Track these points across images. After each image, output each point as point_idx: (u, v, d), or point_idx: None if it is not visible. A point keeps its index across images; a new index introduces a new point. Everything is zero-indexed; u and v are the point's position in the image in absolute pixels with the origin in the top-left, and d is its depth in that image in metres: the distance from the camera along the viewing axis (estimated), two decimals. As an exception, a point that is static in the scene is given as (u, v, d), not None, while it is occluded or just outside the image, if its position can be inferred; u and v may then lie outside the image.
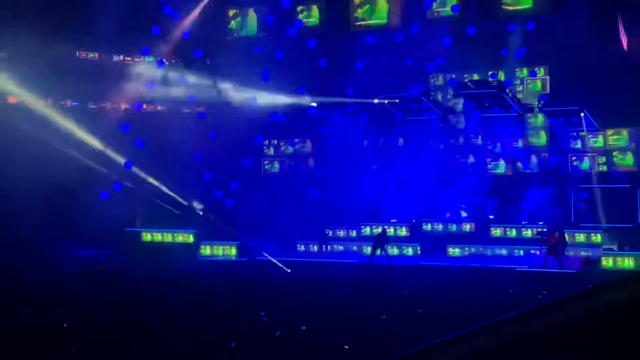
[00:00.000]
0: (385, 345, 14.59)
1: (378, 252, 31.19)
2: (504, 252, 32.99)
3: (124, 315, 18.49)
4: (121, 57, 40.08)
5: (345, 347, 14.32)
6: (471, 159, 36.53)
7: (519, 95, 35.88)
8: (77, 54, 38.92)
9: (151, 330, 16.44)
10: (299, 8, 36.99)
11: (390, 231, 34.61)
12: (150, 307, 19.81)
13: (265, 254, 31.64)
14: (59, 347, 14.75)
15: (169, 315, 18.43)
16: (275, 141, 40.39)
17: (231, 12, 38.88)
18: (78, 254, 34.06)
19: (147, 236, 36.85)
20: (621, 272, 27.26)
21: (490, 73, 34.62)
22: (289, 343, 14.99)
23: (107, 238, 34.93)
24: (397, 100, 35.80)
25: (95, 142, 35.21)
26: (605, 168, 34.84)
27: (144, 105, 36.70)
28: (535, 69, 35.61)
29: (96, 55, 39.51)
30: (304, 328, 16.41)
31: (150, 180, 34.99)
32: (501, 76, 34.84)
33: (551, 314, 2.10)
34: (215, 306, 20.23)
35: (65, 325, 17.09)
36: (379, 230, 33.18)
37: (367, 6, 36.52)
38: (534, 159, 36.20)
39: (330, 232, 36.90)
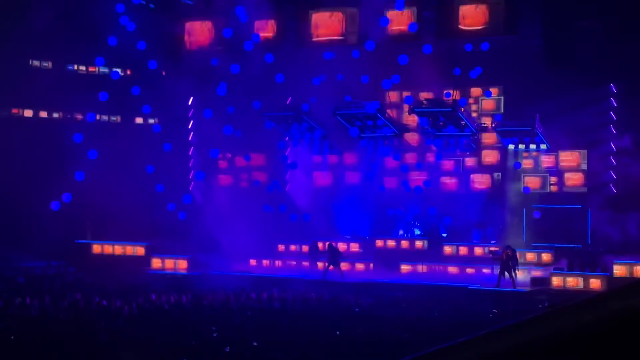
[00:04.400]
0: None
1: (331, 267, 31.17)
2: (455, 270, 33.12)
3: (71, 329, 18.17)
4: (75, 67, 39.69)
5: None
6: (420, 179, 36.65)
7: (473, 115, 36.17)
8: (30, 62, 38.47)
9: (99, 345, 16.16)
10: (257, 22, 36.95)
11: (342, 247, 34.65)
12: (98, 321, 19.51)
13: None
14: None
15: (117, 330, 18.15)
16: (230, 155, 40.16)
17: (188, 24, 38.71)
18: (27, 265, 33.50)
19: (97, 248, 36.42)
20: (570, 292, 27.55)
21: (445, 92, 34.85)
22: (240, 359, 14.84)
23: (57, 249, 34.43)
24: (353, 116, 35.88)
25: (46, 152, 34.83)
26: (556, 188, 35.24)
27: (97, 116, 36.34)
28: (490, 89, 35.94)
29: (50, 64, 39.07)
30: (255, 344, 16.26)
31: None
32: (457, 95, 35.09)
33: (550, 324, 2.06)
34: (165, 320, 19.98)
35: (12, 337, 16.76)
36: (332, 244, 33.13)
37: (325, 22, 36.62)
38: (487, 178, 36.51)
39: (283, 247, 36.79)
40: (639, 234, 31.39)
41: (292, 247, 36.69)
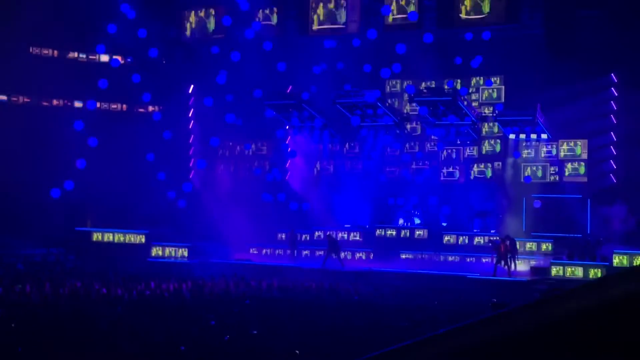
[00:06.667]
0: (335, 351, 14.53)
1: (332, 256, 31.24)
2: (455, 259, 33.12)
3: (71, 317, 18.20)
4: (76, 54, 39.64)
5: (296, 352, 14.24)
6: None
7: (474, 104, 36.12)
8: (30, 50, 38.42)
9: (98, 332, 16.19)
10: (259, 10, 36.89)
11: (342, 236, 34.75)
12: (98, 309, 19.54)
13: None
14: (4, 346, 14.46)
15: (116, 317, 18.17)
16: (231, 143, 40.16)
17: (189, 13, 38.63)
18: (27, 252, 33.53)
19: (97, 236, 36.43)
20: (571, 281, 27.57)
21: (446, 81, 34.81)
22: (239, 347, 14.86)
23: (57, 237, 34.47)
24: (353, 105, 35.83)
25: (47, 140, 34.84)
26: (557, 178, 35.24)
27: (98, 104, 36.28)
28: (491, 78, 35.88)
29: (50, 51, 39.03)
30: (254, 332, 16.29)
31: None
32: (457, 84, 35.03)
33: (544, 310, 2.06)
34: (165, 308, 20.01)
35: (12, 325, 16.78)
36: (330, 234, 33.20)
37: (326, 11, 36.56)
38: (487, 167, 36.51)
39: (283, 236, 36.79)
40: (638, 223, 31.39)
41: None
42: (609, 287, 2.01)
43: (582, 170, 34.87)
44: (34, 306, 20.00)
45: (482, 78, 36.20)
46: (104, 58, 37.74)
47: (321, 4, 36.94)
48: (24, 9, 33.82)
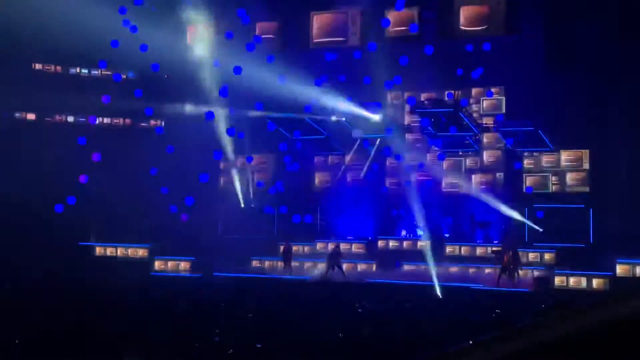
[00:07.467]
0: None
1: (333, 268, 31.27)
2: (458, 269, 33.12)
3: (73, 331, 18.21)
4: (78, 70, 39.78)
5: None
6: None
7: (475, 115, 36.20)
8: (33, 66, 38.57)
9: (101, 347, 16.20)
10: (260, 24, 37.03)
11: (345, 247, 34.75)
12: (99, 324, 19.54)
13: None
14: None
15: (120, 332, 18.18)
16: (233, 156, 40.22)
17: (190, 27, 38.75)
18: (31, 267, 33.48)
19: (100, 250, 36.47)
20: (573, 291, 27.59)
21: (447, 92, 34.90)
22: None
23: (60, 251, 34.46)
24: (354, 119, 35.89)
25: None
26: (558, 188, 35.26)
27: (101, 119, 36.40)
28: (492, 89, 35.97)
29: (52, 67, 39.18)
30: (259, 346, 16.30)
31: None
32: (458, 95, 35.12)
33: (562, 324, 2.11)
34: (168, 322, 20.01)
35: (16, 341, 16.81)
36: (333, 246, 33.25)
37: (326, 23, 36.68)
38: (489, 177, 36.53)
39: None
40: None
41: (294, 248, 36.69)
42: (621, 304, 2.04)
43: (584, 180, 34.89)
44: (37, 321, 20.02)
45: (482, 89, 36.31)
46: (107, 73, 37.89)
47: (322, 17, 37.06)
48: (27, 26, 33.94)
